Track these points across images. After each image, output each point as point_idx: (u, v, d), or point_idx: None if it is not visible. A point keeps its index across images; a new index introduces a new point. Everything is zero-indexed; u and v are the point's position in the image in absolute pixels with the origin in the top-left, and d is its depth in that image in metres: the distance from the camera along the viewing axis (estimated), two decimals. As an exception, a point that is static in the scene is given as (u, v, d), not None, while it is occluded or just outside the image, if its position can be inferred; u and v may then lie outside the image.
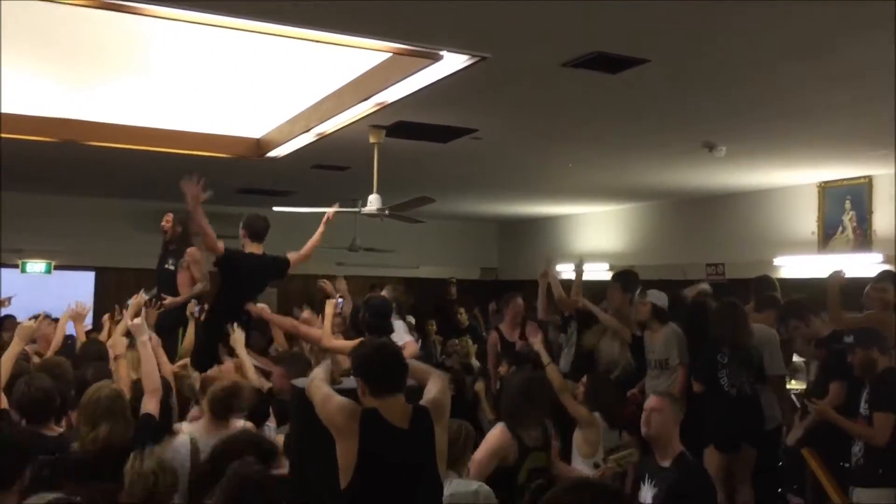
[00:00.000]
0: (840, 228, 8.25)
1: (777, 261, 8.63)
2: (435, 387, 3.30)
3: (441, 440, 3.13)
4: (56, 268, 11.17)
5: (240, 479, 3.16)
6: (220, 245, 5.90)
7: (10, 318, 9.27)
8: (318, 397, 3.16)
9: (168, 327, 6.18)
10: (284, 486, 3.46)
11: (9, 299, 7.39)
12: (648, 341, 6.34)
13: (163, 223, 6.83)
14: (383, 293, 6.26)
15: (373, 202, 6.47)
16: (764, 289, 6.57)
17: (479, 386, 6.90)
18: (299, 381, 3.64)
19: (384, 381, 3.10)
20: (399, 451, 3.02)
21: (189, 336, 6.20)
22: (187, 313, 6.29)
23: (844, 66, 4.56)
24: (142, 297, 6.97)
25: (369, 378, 3.11)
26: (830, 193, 8.35)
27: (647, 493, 3.92)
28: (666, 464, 3.93)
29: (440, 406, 3.21)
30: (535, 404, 4.34)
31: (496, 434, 4.28)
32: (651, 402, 4.10)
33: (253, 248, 6.01)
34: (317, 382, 3.24)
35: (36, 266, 11.02)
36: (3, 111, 6.30)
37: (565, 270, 11.06)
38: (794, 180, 8.42)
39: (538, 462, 4.29)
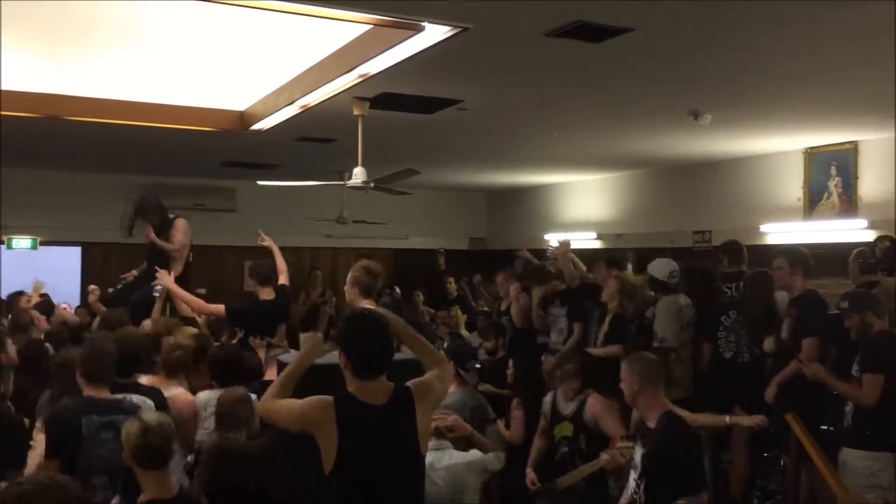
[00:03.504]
0: (826, 194, 8.26)
1: (764, 227, 8.66)
2: (433, 372, 3.26)
3: (422, 421, 3.09)
4: (42, 244, 11.10)
5: (220, 452, 3.18)
6: (219, 307, 6.09)
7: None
8: (283, 412, 3.09)
9: (140, 307, 6.34)
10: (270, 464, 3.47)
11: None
12: None
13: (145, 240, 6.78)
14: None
15: (358, 175, 6.45)
16: (730, 260, 6.51)
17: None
18: (285, 357, 3.66)
19: (370, 366, 3.06)
20: (376, 427, 3.00)
21: (156, 314, 6.25)
22: (153, 293, 6.34)
23: (829, 32, 4.55)
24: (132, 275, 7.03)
25: (356, 360, 3.05)
26: (816, 159, 8.35)
27: (637, 453, 4.00)
28: (652, 424, 3.99)
29: (425, 387, 3.17)
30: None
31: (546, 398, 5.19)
32: (622, 371, 4.16)
33: (264, 293, 6.02)
34: (270, 402, 3.15)
35: (21, 242, 10.96)
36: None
37: (554, 240, 11.12)
38: (779, 147, 8.42)
39: (564, 432, 4.90)
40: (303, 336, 3.19)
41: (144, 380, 4.56)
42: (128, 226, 6.81)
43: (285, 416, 3.09)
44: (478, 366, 6.17)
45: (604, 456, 4.48)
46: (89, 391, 3.90)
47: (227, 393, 4.04)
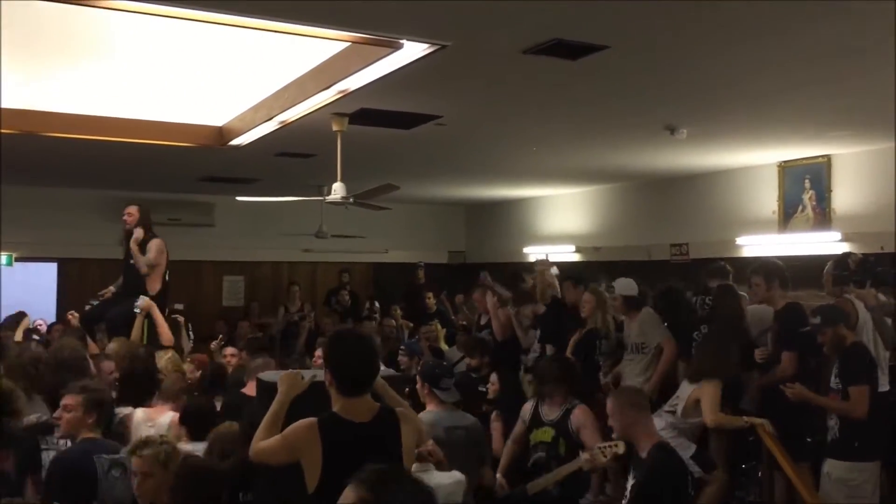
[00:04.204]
0: (800, 207, 8.37)
1: (739, 240, 8.75)
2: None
3: (407, 440, 3.12)
4: (17, 260, 10.98)
5: (188, 470, 3.18)
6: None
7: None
8: (269, 450, 3.07)
9: (119, 324, 6.31)
10: (244, 480, 3.46)
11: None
12: (626, 327, 6.48)
13: (125, 217, 6.73)
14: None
15: (337, 190, 6.46)
16: (715, 279, 6.65)
17: None
18: (265, 375, 3.66)
19: (356, 384, 3.09)
20: (360, 443, 3.01)
21: (136, 331, 6.20)
22: (134, 310, 6.30)
23: (802, 47, 4.62)
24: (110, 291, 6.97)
25: (342, 377, 3.08)
26: (790, 173, 8.46)
27: (630, 483, 4.02)
28: (644, 454, 3.98)
29: (409, 415, 3.24)
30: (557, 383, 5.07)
31: (527, 405, 5.25)
32: (608, 407, 4.16)
33: None
34: (258, 445, 3.13)
35: (-4, 259, 10.86)
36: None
37: (533, 253, 11.18)
38: (754, 160, 8.52)
39: (543, 437, 4.95)
40: (280, 377, 3.19)
41: (140, 412, 4.66)
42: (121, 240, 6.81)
43: (272, 452, 3.07)
44: (482, 388, 6.20)
45: (584, 455, 4.50)
46: (91, 434, 3.94)
47: (218, 432, 3.97)
